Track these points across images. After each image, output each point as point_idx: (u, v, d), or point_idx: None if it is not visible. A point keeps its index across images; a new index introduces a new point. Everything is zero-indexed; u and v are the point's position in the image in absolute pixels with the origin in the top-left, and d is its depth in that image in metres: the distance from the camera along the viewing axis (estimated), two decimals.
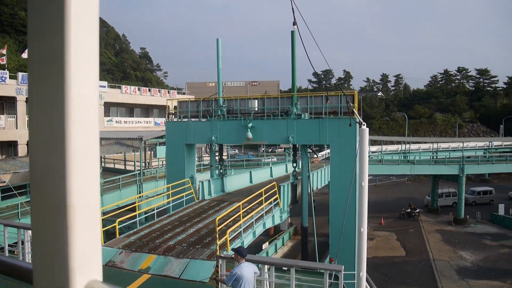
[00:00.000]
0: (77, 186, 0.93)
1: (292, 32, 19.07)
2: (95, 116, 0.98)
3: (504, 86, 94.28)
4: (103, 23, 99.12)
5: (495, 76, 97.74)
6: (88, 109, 0.94)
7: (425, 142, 53.19)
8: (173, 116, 22.85)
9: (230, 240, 12.04)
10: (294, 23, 9.55)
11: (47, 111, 0.92)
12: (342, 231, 13.09)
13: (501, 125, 71.30)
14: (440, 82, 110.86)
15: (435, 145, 50.27)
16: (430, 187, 41.56)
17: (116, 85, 51.96)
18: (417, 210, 37.77)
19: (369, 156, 14.72)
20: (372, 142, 50.56)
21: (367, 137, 9.95)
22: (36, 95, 0.93)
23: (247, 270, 7.87)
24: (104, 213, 17.29)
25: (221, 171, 22.74)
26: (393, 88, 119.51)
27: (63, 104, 0.90)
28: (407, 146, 49.13)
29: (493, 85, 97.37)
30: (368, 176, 11.38)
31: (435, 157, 43.50)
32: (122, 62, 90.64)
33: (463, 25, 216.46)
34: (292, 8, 9.05)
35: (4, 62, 34.49)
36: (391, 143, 53.67)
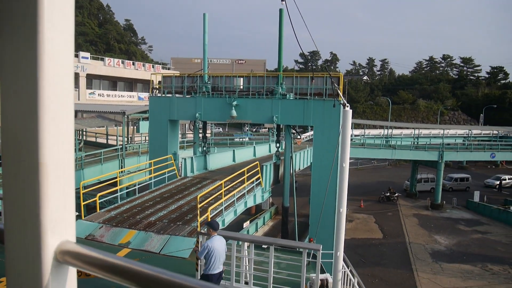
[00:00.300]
0: (50, 144, 0.89)
1: (280, 10, 18.80)
2: (70, 75, 0.94)
3: (487, 75, 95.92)
4: None
5: (479, 66, 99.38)
6: (61, 70, 0.90)
7: (407, 128, 54.04)
8: (157, 91, 22.49)
9: (211, 218, 12.10)
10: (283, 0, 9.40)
11: (19, 73, 0.88)
12: (321, 211, 13.29)
13: (481, 114, 72.81)
14: (425, 69, 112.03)
15: (416, 131, 51.11)
16: (410, 172, 42.42)
17: (99, 57, 50.65)
18: (396, 194, 38.62)
19: (351, 140, 14.91)
20: (356, 126, 51.05)
21: (350, 118, 9.99)
22: (7, 57, 0.89)
23: (218, 243, 8.12)
24: (85, 187, 17.10)
25: (204, 148, 22.65)
26: (379, 72, 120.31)
27: (36, 65, 0.86)
28: (390, 131, 49.80)
29: (476, 74, 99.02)
30: (350, 159, 11.51)
31: (416, 143, 44.30)
32: (105, 33, 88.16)
33: (450, 12, 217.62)
34: None
35: None
36: (374, 127, 54.32)
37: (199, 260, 8.67)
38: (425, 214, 35.11)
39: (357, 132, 46.82)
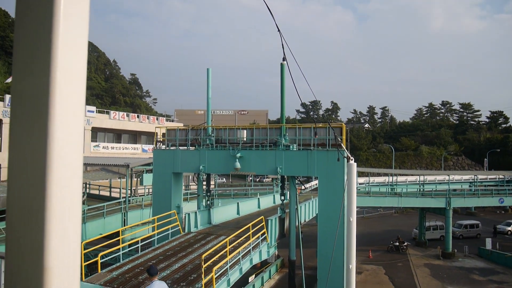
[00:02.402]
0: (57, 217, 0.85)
1: (282, 65, 19.36)
2: (80, 135, 0.94)
3: (487, 120, 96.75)
4: (94, 48, 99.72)
5: (478, 111, 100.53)
6: (73, 143, 0.88)
7: (412, 175, 53.63)
8: (161, 143, 22.68)
9: (216, 278, 11.67)
10: (284, 59, 9.66)
11: (29, 139, 0.87)
12: (330, 266, 12.85)
13: (485, 159, 72.54)
14: (425, 115, 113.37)
15: (421, 178, 50.67)
16: (418, 220, 41.55)
17: (105, 110, 51.74)
18: (405, 243, 37.56)
19: (356, 188, 14.72)
20: (360, 174, 50.78)
21: (355, 172, 9.92)
22: (18, 118, 0.87)
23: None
24: (86, 244, 16.75)
25: (208, 202, 22.34)
26: (380, 120, 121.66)
27: (46, 139, 0.85)
28: (394, 178, 49.41)
29: (476, 119, 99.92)
30: (356, 208, 11.30)
31: (421, 189, 43.74)
32: (111, 87, 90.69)
33: (446, 60, 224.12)
34: (282, 45, 9.14)
35: None
36: (378, 175, 53.98)
37: None
38: (437, 263, 33.90)
39: (361, 180, 46.46)
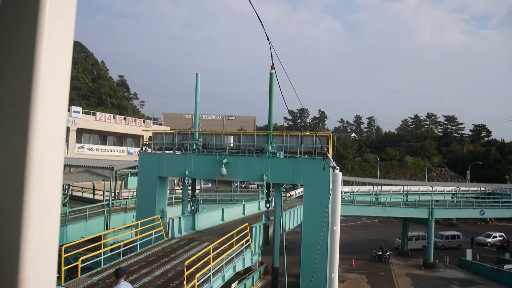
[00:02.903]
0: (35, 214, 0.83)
1: (271, 74, 19.47)
2: (62, 136, 0.91)
3: (470, 133, 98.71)
4: (82, 48, 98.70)
5: (462, 124, 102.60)
6: (53, 129, 0.86)
7: (396, 185, 54.25)
8: (147, 147, 22.51)
9: (198, 285, 11.57)
10: (272, 67, 9.72)
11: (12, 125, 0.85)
12: (313, 274, 12.90)
13: (467, 171, 73.86)
14: (411, 126, 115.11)
15: (405, 188, 51.28)
16: (401, 230, 41.98)
17: (91, 111, 51.14)
18: (388, 253, 37.87)
19: (341, 197, 14.84)
20: (345, 183, 51.17)
21: (340, 181, 10.02)
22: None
23: None
24: (67, 247, 16.45)
25: (193, 208, 22.19)
26: (366, 129, 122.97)
27: (26, 143, 0.82)
28: (379, 188, 49.90)
29: (460, 132, 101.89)
30: (340, 216, 11.38)
31: (405, 199, 44.26)
32: (98, 88, 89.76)
33: (432, 72, 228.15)
34: (271, 53, 9.21)
35: None
36: (363, 184, 54.46)
37: None
38: (418, 273, 34.25)
39: (346, 189, 46.82)
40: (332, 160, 14.53)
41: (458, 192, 53.75)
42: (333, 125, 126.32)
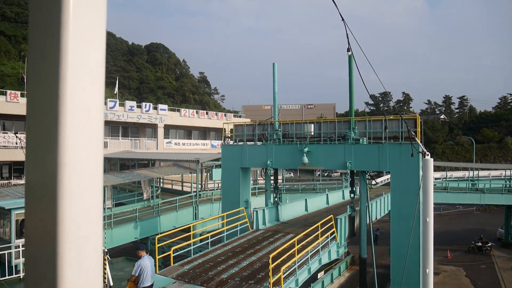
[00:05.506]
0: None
1: (349, 56, 18.63)
2: (99, 159, 0.86)
3: None
4: (165, 50, 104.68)
5: None
6: (90, 151, 0.82)
7: (496, 169, 49.19)
8: (229, 139, 23.07)
9: (284, 278, 11.52)
10: (349, 50, 9.22)
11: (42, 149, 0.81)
12: (404, 267, 12.14)
13: None
14: (511, 104, 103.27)
15: (507, 172, 46.24)
16: (503, 219, 38.04)
17: (176, 108, 54.04)
18: (489, 244, 34.56)
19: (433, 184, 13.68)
20: (436, 168, 47.68)
21: (431, 169, 9.20)
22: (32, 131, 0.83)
23: (147, 261, 10.29)
24: (161, 237, 17.59)
25: (276, 199, 22.27)
26: (457, 110, 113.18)
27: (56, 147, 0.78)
28: (475, 172, 45.68)
29: None
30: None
31: (508, 185, 39.92)
32: (182, 86, 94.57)
33: None
34: (347, 34, 8.72)
35: None
36: (457, 169, 50.32)
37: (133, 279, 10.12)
38: None
39: (437, 175, 43.58)
40: (421, 144, 13.50)
41: None
42: (419, 108, 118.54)
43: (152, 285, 10.37)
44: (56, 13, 0.80)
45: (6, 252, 14.08)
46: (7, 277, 13.51)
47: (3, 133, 32.74)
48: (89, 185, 0.81)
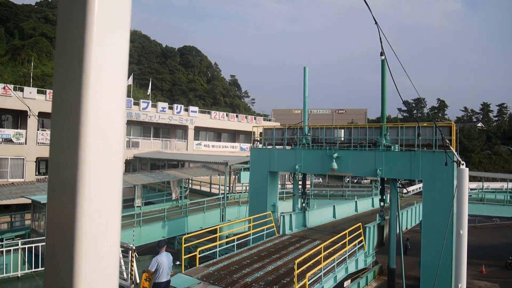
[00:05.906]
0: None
1: (382, 61, 18.25)
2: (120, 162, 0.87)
3: None
4: (197, 52, 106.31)
5: None
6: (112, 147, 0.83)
7: None
8: (258, 142, 23.08)
9: (309, 285, 11.35)
10: (382, 54, 9.01)
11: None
12: (435, 281, 11.71)
13: None
14: None
15: None
16: None
17: (206, 110, 54.69)
18: None
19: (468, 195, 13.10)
20: (471, 178, 45.87)
21: (466, 179, 8.82)
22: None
23: (164, 258, 10.51)
24: (188, 237, 17.77)
25: (304, 204, 22.04)
26: (496, 118, 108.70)
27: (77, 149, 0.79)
28: None
29: None
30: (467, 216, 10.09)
31: None
32: (213, 88, 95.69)
33: None
34: (380, 38, 8.51)
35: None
36: (494, 179, 48.24)
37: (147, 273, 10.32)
38: None
39: (473, 185, 41.92)
40: (455, 153, 13.01)
41: None
42: (455, 115, 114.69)
43: (168, 281, 10.61)
44: (81, 15, 0.81)
45: (40, 244, 14.62)
46: (40, 269, 14.02)
47: (42, 130, 34.13)
48: (108, 186, 0.83)
